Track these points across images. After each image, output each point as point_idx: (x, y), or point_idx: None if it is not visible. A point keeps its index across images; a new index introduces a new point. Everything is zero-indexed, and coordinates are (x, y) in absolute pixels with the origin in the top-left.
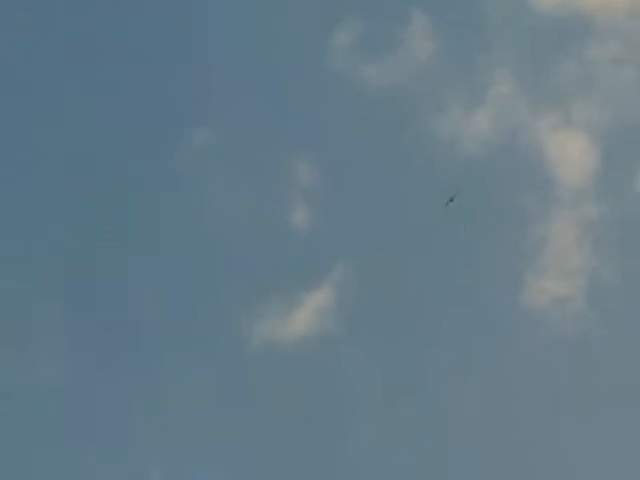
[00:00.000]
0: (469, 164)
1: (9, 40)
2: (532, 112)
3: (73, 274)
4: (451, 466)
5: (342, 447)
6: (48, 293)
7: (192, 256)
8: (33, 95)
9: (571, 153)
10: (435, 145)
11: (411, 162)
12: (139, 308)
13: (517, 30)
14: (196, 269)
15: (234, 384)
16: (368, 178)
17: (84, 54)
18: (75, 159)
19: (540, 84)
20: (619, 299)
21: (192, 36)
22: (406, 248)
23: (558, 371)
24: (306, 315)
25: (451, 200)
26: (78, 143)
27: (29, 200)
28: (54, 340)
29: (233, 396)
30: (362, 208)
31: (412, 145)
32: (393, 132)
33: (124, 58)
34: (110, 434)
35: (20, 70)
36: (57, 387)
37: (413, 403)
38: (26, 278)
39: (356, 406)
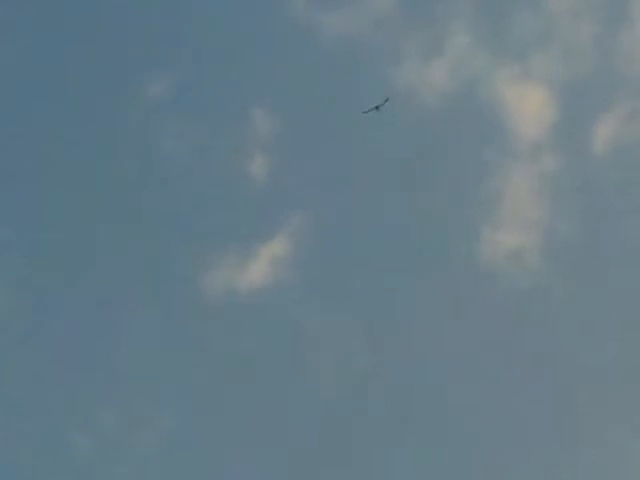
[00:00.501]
0: (426, 115)
1: None
2: (491, 64)
3: (36, 227)
4: (401, 408)
5: (296, 393)
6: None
7: (147, 206)
8: None
9: (529, 106)
10: (393, 95)
11: (369, 113)
12: (95, 256)
13: None
14: (151, 218)
15: (190, 332)
16: (325, 129)
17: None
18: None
19: (499, 36)
20: (575, 252)
21: None
22: (362, 199)
23: (513, 323)
24: (261, 265)
25: (376, 108)
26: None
27: None
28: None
29: (189, 344)
30: (319, 160)
31: (371, 96)
32: (351, 82)
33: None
34: (68, 380)
35: None
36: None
37: (368, 352)
38: None
39: (311, 353)
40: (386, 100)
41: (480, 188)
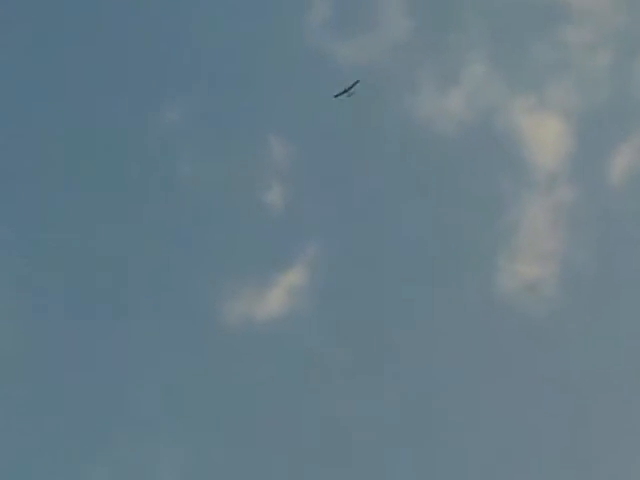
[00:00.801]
0: (443, 144)
1: None
2: (507, 93)
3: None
4: (414, 437)
5: (312, 421)
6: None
7: (166, 235)
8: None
9: (545, 136)
10: (410, 125)
11: (386, 142)
12: (118, 285)
13: (493, 11)
14: (170, 248)
15: (207, 361)
16: (342, 158)
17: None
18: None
19: (515, 65)
20: (592, 283)
21: (167, 13)
22: (379, 228)
23: (529, 353)
24: (279, 295)
25: (345, 91)
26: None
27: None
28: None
29: (206, 372)
30: (336, 188)
31: (387, 124)
32: (368, 111)
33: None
34: (83, 404)
35: None
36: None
37: (383, 381)
38: None
39: (327, 383)
40: (356, 82)
41: (496, 218)
